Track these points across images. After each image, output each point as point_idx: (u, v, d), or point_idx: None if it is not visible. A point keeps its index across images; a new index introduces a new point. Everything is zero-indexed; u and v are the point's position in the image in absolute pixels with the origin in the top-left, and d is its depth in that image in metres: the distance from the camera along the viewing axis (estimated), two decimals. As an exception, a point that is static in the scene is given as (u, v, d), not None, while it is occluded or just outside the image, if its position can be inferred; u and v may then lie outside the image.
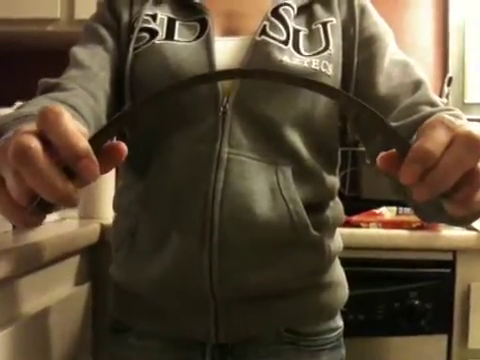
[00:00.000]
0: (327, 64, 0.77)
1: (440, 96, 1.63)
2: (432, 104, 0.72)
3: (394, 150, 0.46)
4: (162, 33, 0.78)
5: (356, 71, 0.80)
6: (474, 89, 1.80)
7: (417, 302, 1.19)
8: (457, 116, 0.64)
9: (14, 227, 0.90)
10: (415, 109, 0.72)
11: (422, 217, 0.75)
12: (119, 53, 0.80)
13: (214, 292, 0.74)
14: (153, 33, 0.78)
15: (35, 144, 0.42)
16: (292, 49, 0.77)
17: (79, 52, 0.79)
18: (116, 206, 0.85)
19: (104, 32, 0.81)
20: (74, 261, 1.03)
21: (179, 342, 0.79)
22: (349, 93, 0.77)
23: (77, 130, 0.43)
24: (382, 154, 0.47)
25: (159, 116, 0.76)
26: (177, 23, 0.80)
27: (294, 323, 0.80)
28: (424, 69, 1.80)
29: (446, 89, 1.69)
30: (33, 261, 0.81)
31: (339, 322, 0.85)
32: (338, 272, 0.85)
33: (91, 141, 0.43)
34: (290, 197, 0.74)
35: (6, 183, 0.44)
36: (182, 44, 0.77)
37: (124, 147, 0.45)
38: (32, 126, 0.44)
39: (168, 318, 0.78)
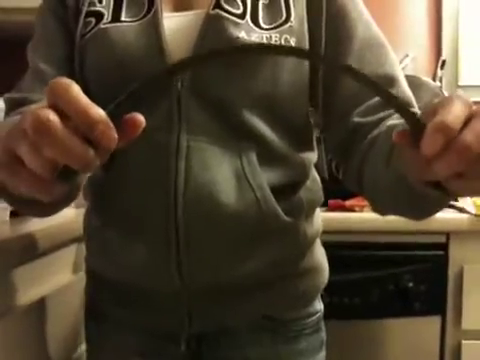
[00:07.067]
0: (288, 38, 0.70)
1: (434, 79, 1.64)
2: (407, 104, 0.68)
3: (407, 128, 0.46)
4: (108, 15, 0.71)
5: (325, 50, 0.73)
6: (468, 72, 1.81)
7: (411, 284, 1.21)
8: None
9: (11, 216, 0.91)
10: (387, 110, 0.68)
11: (381, 209, 0.73)
12: (71, 44, 0.74)
13: (186, 287, 0.71)
14: (99, 16, 0.72)
15: (53, 116, 0.42)
16: (250, 22, 0.69)
17: (34, 56, 0.75)
18: (86, 195, 0.80)
19: (53, 25, 0.76)
20: (71, 250, 1.03)
21: (154, 332, 0.76)
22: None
23: (88, 99, 0.43)
24: (397, 130, 0.46)
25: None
26: (124, 0, 0.73)
27: (270, 312, 0.76)
28: (418, 53, 1.81)
29: (440, 72, 1.69)
30: (30, 251, 0.81)
31: (318, 306, 0.81)
32: (317, 256, 0.79)
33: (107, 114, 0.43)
34: (257, 183, 0.69)
35: (24, 160, 0.44)
36: (129, 25, 0.70)
37: (141, 119, 0.44)
38: (43, 103, 0.44)
39: (142, 308, 0.76)
